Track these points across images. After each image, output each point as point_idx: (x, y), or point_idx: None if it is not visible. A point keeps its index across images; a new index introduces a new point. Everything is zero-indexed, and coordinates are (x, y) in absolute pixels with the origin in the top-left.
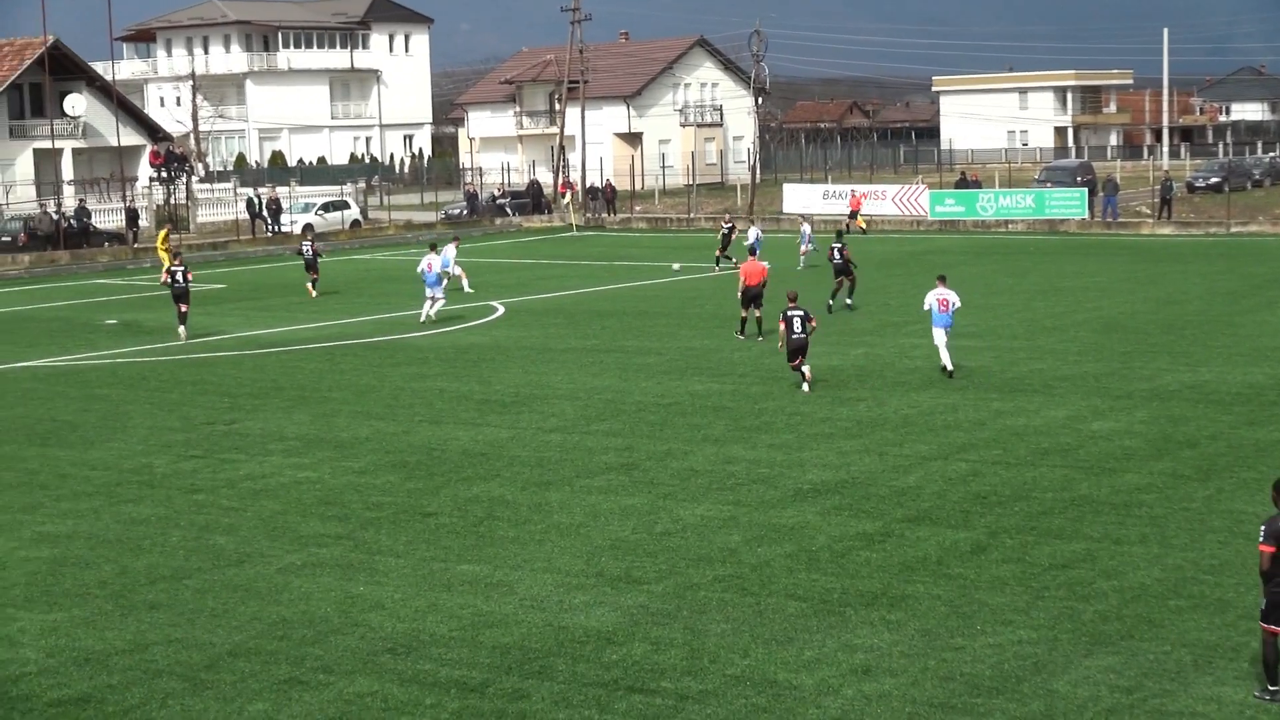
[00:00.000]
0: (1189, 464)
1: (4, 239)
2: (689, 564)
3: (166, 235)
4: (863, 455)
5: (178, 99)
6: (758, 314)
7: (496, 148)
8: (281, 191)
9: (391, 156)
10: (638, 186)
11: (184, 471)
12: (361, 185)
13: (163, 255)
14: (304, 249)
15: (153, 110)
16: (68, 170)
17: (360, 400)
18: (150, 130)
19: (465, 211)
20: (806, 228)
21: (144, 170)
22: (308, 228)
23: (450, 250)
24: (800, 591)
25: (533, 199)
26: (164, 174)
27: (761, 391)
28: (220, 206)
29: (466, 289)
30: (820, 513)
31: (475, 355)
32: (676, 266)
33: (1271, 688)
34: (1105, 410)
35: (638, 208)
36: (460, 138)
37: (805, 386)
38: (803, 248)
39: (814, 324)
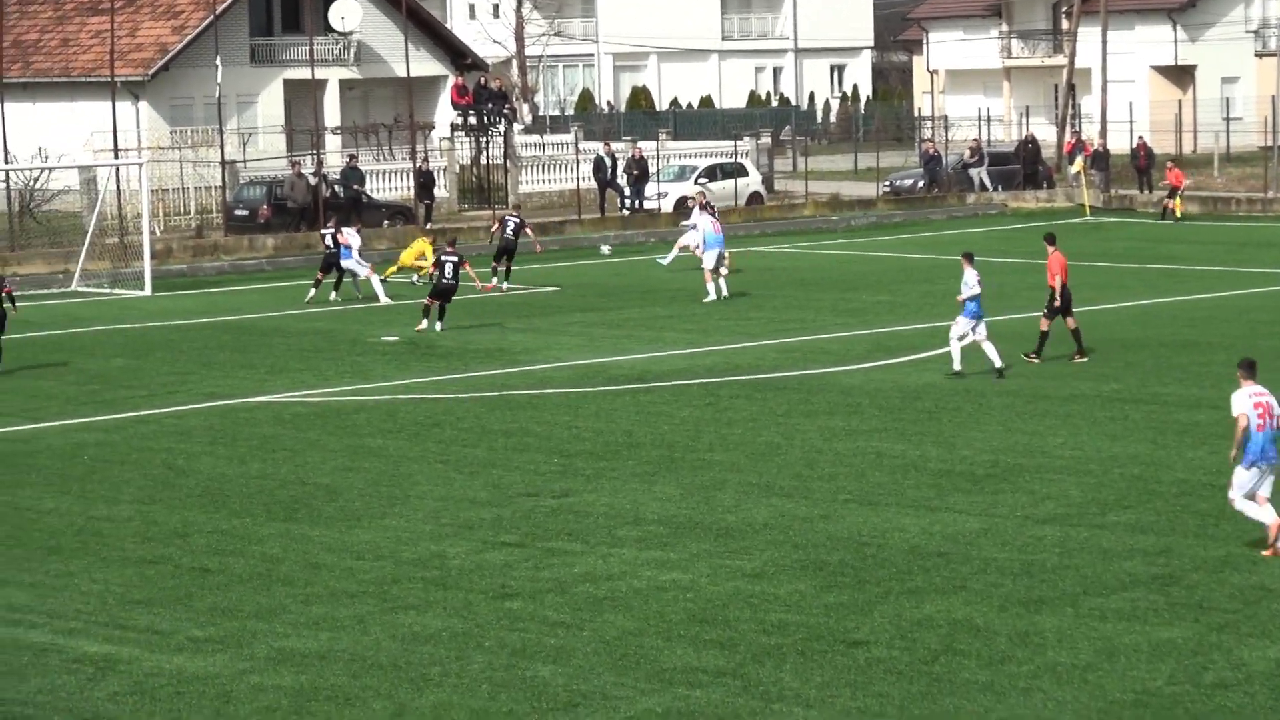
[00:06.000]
0: None
1: (239, 213)
2: None
3: (425, 251)
4: None
5: (495, 8)
6: None
7: (971, 87)
8: (646, 148)
9: (811, 97)
10: (1186, 149)
11: (491, 566)
12: (766, 141)
13: (415, 263)
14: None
15: (458, 25)
16: (333, 113)
17: (755, 466)
18: (455, 54)
19: (921, 183)
20: None
21: (443, 114)
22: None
23: None
24: None
25: (1024, 165)
26: (473, 119)
27: None
28: (554, 170)
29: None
30: None
31: (931, 402)
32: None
33: None
34: None
35: (1187, 181)
36: (915, 71)
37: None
38: None
39: None
